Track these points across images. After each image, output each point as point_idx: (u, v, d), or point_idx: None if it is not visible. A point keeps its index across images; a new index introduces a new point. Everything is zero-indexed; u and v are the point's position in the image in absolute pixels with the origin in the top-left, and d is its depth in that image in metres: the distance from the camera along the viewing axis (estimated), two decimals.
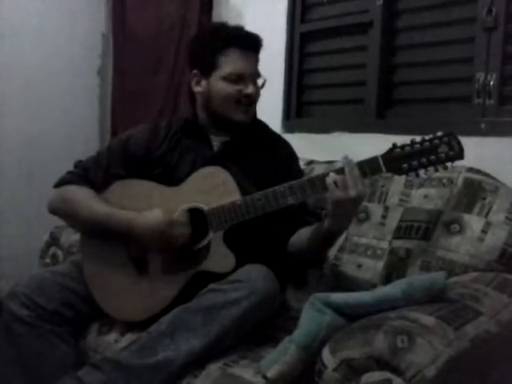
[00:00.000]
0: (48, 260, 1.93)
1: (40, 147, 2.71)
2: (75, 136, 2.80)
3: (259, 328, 1.36)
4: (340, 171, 1.29)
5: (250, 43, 1.54)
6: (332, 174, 1.29)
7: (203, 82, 1.55)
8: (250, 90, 1.52)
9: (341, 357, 1.01)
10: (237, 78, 1.51)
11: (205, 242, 1.42)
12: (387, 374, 0.96)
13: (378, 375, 0.97)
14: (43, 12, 2.68)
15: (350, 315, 1.15)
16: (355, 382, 0.99)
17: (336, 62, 2.16)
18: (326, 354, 1.04)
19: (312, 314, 1.17)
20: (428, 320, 1.04)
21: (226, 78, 1.51)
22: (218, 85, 1.52)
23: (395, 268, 1.50)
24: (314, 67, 2.24)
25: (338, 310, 1.16)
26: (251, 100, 1.54)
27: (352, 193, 1.26)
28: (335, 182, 1.27)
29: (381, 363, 0.97)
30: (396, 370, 0.96)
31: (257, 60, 1.57)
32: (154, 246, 1.45)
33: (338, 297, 1.19)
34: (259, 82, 1.56)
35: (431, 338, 0.99)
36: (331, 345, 1.05)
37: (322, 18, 2.19)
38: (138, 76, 2.71)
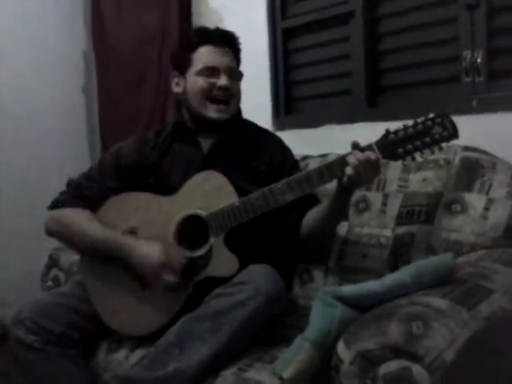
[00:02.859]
0: (50, 283, 1.90)
1: (30, 170, 2.67)
2: (65, 156, 2.76)
3: (270, 328, 1.35)
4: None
5: (223, 39, 1.56)
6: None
7: (181, 82, 1.58)
8: (223, 81, 1.52)
9: (356, 349, 0.99)
10: (210, 72, 1.53)
11: (206, 247, 1.41)
12: (405, 363, 0.94)
13: (395, 364, 0.95)
14: (22, 34, 2.66)
15: (361, 306, 1.13)
16: (373, 374, 0.96)
17: (321, 56, 2.15)
18: (341, 347, 1.02)
19: (322, 309, 1.15)
20: (441, 303, 1.02)
21: (200, 73, 1.53)
22: (192, 80, 1.55)
23: (401, 254, 1.48)
24: (300, 62, 2.23)
25: (349, 302, 1.14)
26: (226, 94, 1.53)
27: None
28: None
29: (397, 352, 0.95)
30: (414, 357, 0.94)
31: (234, 57, 1.58)
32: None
33: (347, 289, 1.17)
34: (236, 77, 1.56)
35: (446, 320, 0.97)
36: (345, 338, 1.02)
37: (303, 13, 2.18)
38: (123, 90, 2.69)
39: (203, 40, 1.55)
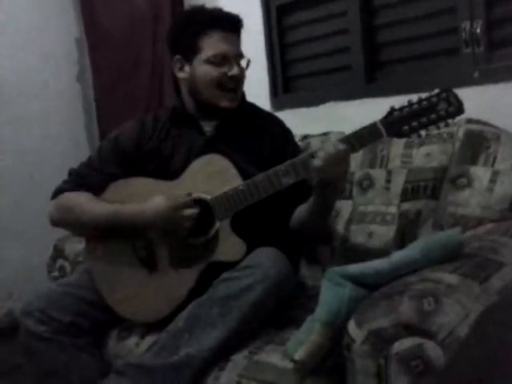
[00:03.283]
0: (56, 273, 1.90)
1: (29, 162, 2.66)
2: (64, 146, 2.75)
3: (280, 311, 1.35)
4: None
5: (231, 24, 1.51)
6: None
7: (186, 67, 1.53)
8: (235, 71, 1.49)
9: (368, 328, 0.98)
10: (221, 60, 1.48)
11: (212, 231, 1.40)
12: (418, 340, 0.94)
13: (408, 342, 0.95)
14: (12, 24, 2.62)
15: (370, 285, 1.12)
16: (386, 352, 0.96)
17: (317, 32, 2.11)
18: (352, 327, 1.01)
19: (332, 288, 1.14)
20: (452, 278, 1.02)
21: (210, 61, 1.48)
22: (201, 68, 1.50)
23: (407, 231, 1.48)
24: (296, 40, 2.19)
25: (357, 281, 1.13)
26: (237, 82, 1.51)
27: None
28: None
29: (410, 329, 0.95)
30: (427, 334, 0.93)
31: (239, 41, 1.54)
32: (162, 233, 1.42)
33: (356, 268, 1.16)
34: (243, 63, 1.53)
35: (458, 296, 0.97)
36: (356, 317, 1.02)
37: None
38: (118, 76, 2.65)
39: (211, 25, 1.48)
